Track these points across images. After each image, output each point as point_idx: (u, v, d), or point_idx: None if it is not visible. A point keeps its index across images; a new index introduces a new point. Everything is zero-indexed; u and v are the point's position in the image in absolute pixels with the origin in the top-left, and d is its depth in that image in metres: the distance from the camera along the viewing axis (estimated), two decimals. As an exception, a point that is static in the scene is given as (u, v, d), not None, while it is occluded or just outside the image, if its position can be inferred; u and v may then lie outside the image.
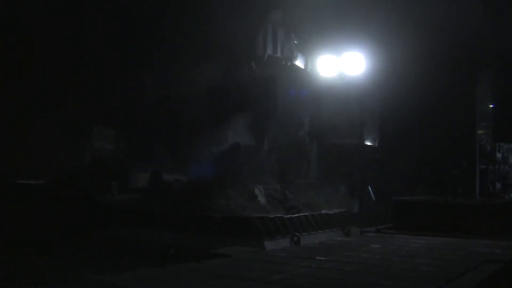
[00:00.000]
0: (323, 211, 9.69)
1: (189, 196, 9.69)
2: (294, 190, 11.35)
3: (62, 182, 11.53)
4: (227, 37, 12.12)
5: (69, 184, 10.98)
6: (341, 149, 13.82)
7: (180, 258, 6.58)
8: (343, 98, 13.76)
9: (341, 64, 13.95)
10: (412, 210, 9.49)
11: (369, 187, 12.76)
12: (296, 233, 8.29)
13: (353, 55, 13.78)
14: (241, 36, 12.40)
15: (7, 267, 7.03)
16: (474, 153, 16.24)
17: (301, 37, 13.83)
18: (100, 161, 13.44)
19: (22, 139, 13.57)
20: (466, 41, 13.38)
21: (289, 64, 13.60)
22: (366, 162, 13.72)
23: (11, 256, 7.70)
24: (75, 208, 9.47)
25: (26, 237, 8.80)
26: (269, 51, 12.89)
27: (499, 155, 17.99)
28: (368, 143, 14.41)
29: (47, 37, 13.37)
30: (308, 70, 14.50)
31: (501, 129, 15.76)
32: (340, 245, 7.23)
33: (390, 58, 13.32)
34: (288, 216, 8.74)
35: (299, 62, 14.24)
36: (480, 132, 17.40)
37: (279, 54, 13.18)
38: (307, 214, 9.16)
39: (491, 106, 16.76)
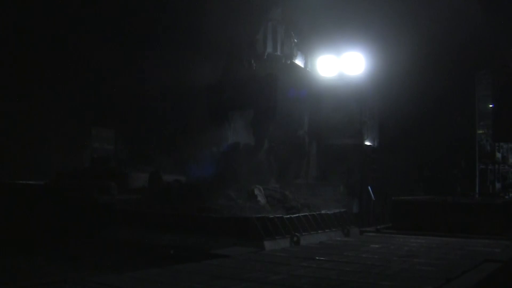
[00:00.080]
0: (323, 211, 9.69)
1: (188, 197, 9.68)
2: (293, 190, 11.36)
3: (61, 182, 11.52)
4: (227, 35, 12.12)
5: (68, 185, 10.97)
6: (340, 149, 13.82)
7: (179, 258, 6.57)
8: (342, 98, 13.77)
9: (341, 64, 13.97)
10: (412, 210, 9.47)
11: (369, 187, 12.77)
12: (296, 233, 8.29)
13: (353, 55, 13.79)
14: (241, 34, 12.39)
15: (4, 268, 7.02)
16: (474, 153, 16.26)
17: (301, 36, 13.83)
18: (99, 162, 13.44)
19: (21, 139, 13.57)
20: (466, 41, 13.39)
21: (288, 62, 13.59)
22: (366, 162, 13.72)
23: (9, 257, 7.69)
24: (74, 208, 9.46)
25: (25, 237, 8.79)
26: (269, 49, 12.87)
27: (499, 155, 18.01)
28: (368, 143, 14.41)
29: (43, 33, 13.36)
30: (307, 69, 14.50)
31: (501, 129, 15.77)
32: (340, 245, 7.22)
33: (390, 58, 13.33)
34: (288, 216, 8.74)
35: (298, 61, 14.24)
36: (480, 132, 17.43)
37: (279, 53, 13.17)
38: (306, 214, 9.16)
39: (490, 106, 16.78)
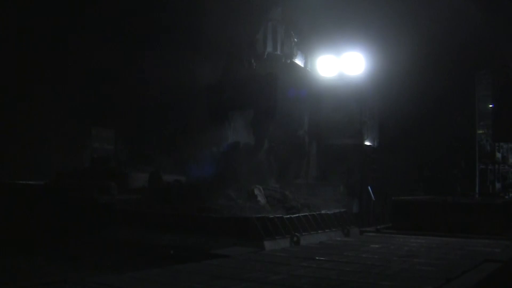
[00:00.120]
0: (323, 211, 9.69)
1: (188, 197, 9.68)
2: (293, 190, 11.37)
3: (61, 182, 11.52)
4: (227, 35, 12.12)
5: (68, 185, 10.97)
6: (340, 149, 13.83)
7: (179, 258, 6.57)
8: (342, 98, 13.77)
9: (341, 64, 13.97)
10: (412, 210, 9.47)
11: (369, 187, 12.77)
12: (296, 233, 8.29)
13: (353, 55, 13.79)
14: (241, 34, 12.39)
15: (4, 268, 7.02)
16: (474, 153, 16.26)
17: (301, 36, 13.83)
18: (99, 162, 13.44)
19: (21, 139, 13.57)
20: (466, 41, 13.39)
21: (289, 61, 13.59)
22: (366, 162, 13.73)
23: (9, 257, 7.69)
24: (74, 208, 9.46)
25: (25, 237, 8.79)
26: (269, 49, 12.87)
27: (499, 155, 18.01)
28: (368, 143, 14.42)
29: (43, 33, 13.37)
30: (307, 69, 14.50)
31: (501, 129, 15.77)
32: (340, 245, 7.22)
33: (390, 58, 13.34)
34: (288, 216, 8.74)
35: (298, 61, 14.23)
36: (480, 132, 17.43)
37: (279, 52, 13.17)
38: (306, 214, 9.16)
39: (490, 106, 16.78)
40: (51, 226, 9.17)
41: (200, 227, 8.39)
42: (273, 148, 12.50)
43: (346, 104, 13.80)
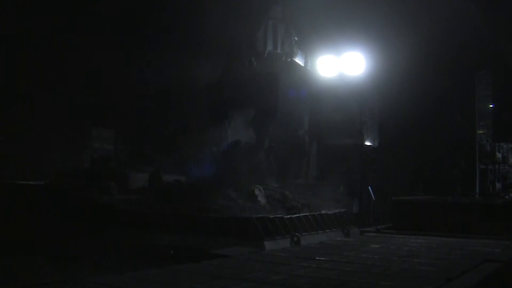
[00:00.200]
0: (323, 211, 9.69)
1: (188, 197, 9.68)
2: (293, 190, 11.36)
3: (61, 182, 11.52)
4: (227, 35, 12.12)
5: (68, 185, 10.97)
6: (340, 149, 13.81)
7: (179, 258, 6.57)
8: (342, 98, 13.76)
9: (341, 64, 13.95)
10: (412, 210, 9.47)
11: (369, 187, 12.77)
12: (296, 233, 8.29)
13: (353, 55, 13.77)
14: (241, 34, 12.38)
15: (4, 268, 7.02)
16: (474, 153, 16.26)
17: (301, 35, 13.82)
18: (99, 162, 13.44)
19: (20, 139, 13.57)
20: (466, 41, 13.39)
21: (289, 60, 13.57)
22: (366, 162, 13.72)
23: (9, 257, 7.69)
24: (74, 208, 9.46)
25: (25, 237, 8.79)
26: (270, 48, 12.86)
27: (499, 155, 18.00)
28: (368, 143, 14.41)
29: (43, 33, 13.37)
30: (308, 69, 14.48)
31: (501, 129, 15.77)
32: (340, 245, 7.23)
33: (390, 58, 13.33)
34: (288, 216, 8.73)
35: (299, 60, 14.22)
36: (480, 132, 17.42)
37: (279, 51, 13.15)
38: (307, 214, 9.16)
39: (490, 106, 16.78)
40: (51, 226, 9.16)
41: (200, 227, 8.39)
42: (273, 148, 12.50)
43: (346, 104, 13.78)
